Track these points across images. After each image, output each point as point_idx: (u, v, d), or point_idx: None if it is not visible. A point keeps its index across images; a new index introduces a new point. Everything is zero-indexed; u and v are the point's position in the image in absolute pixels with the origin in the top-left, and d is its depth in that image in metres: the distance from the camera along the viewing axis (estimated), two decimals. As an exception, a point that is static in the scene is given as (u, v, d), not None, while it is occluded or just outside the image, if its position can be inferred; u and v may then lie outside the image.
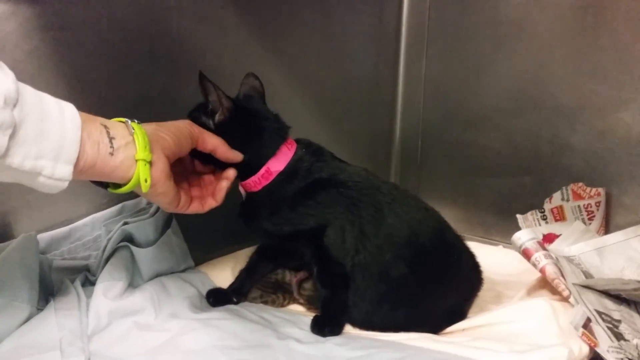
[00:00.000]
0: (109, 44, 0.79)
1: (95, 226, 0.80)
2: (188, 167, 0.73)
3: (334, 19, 1.09)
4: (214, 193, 0.71)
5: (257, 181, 0.74)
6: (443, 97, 1.17)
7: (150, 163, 0.57)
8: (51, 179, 0.49)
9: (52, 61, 0.74)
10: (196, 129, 0.67)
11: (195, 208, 0.69)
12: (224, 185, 0.71)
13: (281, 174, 0.75)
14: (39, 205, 0.76)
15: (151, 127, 0.61)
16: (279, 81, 1.03)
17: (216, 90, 0.70)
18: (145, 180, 0.57)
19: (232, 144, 0.71)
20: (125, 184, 0.57)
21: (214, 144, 0.69)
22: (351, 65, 1.15)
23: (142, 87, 0.84)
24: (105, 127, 0.54)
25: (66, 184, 0.51)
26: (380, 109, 1.23)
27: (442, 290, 0.80)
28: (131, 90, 0.83)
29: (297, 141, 0.78)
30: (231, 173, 0.72)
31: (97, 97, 0.78)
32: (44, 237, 0.75)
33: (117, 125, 0.57)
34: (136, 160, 0.56)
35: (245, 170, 0.74)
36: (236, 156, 0.72)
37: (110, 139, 0.54)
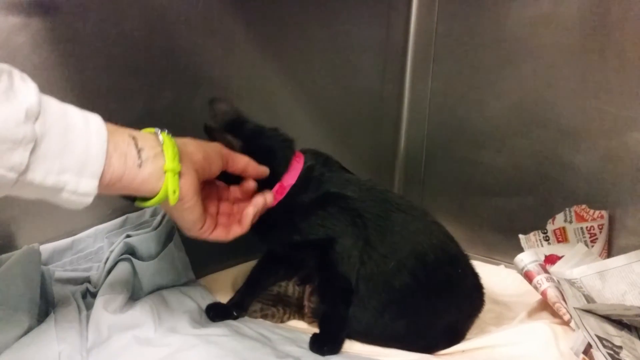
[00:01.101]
0: (118, 56, 0.80)
1: (97, 238, 0.80)
2: (219, 193, 0.71)
3: (341, 33, 1.09)
4: (240, 220, 0.69)
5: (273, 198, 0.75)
6: (448, 114, 1.17)
7: (180, 174, 0.55)
8: (75, 194, 0.48)
9: (61, 73, 0.75)
10: (226, 150, 0.66)
11: (218, 234, 0.66)
12: (251, 211, 0.69)
13: (294, 186, 0.75)
14: (41, 215, 0.76)
15: (182, 140, 0.59)
16: (285, 94, 1.03)
17: (225, 136, 0.70)
18: (174, 192, 0.54)
19: None
20: (152, 197, 0.55)
21: (244, 162, 0.68)
22: (357, 79, 1.15)
23: (150, 99, 0.84)
24: (134, 138, 0.53)
25: (91, 199, 0.49)
26: (385, 124, 1.23)
27: (443, 303, 0.80)
28: (139, 102, 0.83)
29: (303, 152, 0.79)
30: (260, 201, 0.71)
31: (105, 110, 0.76)
32: (46, 248, 0.75)
33: (146, 136, 0.55)
34: (165, 172, 0.54)
35: (262, 189, 0.74)
36: (265, 170, 0.71)
37: (139, 150, 0.52)
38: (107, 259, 0.78)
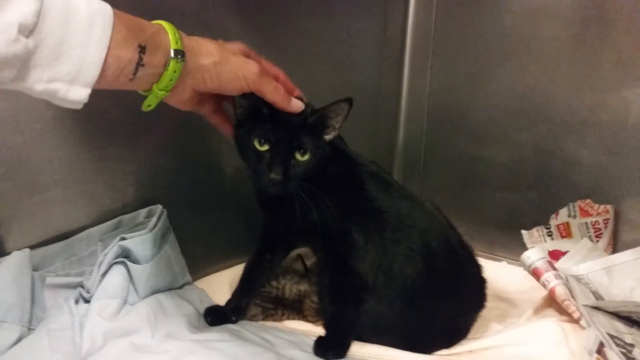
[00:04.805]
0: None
1: (91, 241, 0.76)
2: None
3: (338, 27, 1.06)
4: None
5: None
6: (447, 108, 1.15)
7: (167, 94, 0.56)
8: (66, 101, 0.47)
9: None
10: (256, 81, 0.62)
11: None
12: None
13: None
14: (31, 218, 0.73)
15: (200, 63, 0.57)
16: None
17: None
18: (149, 105, 0.57)
19: None
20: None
21: (274, 100, 0.66)
22: (354, 73, 1.13)
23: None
24: (142, 49, 0.50)
25: (82, 105, 0.49)
26: (383, 119, 1.21)
27: (448, 292, 0.77)
28: (133, 97, 0.79)
29: None
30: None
31: (99, 105, 0.74)
32: (37, 252, 0.71)
33: (159, 47, 0.52)
34: (151, 90, 0.55)
35: None
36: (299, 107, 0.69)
37: (139, 65, 0.50)
38: (101, 262, 0.74)
